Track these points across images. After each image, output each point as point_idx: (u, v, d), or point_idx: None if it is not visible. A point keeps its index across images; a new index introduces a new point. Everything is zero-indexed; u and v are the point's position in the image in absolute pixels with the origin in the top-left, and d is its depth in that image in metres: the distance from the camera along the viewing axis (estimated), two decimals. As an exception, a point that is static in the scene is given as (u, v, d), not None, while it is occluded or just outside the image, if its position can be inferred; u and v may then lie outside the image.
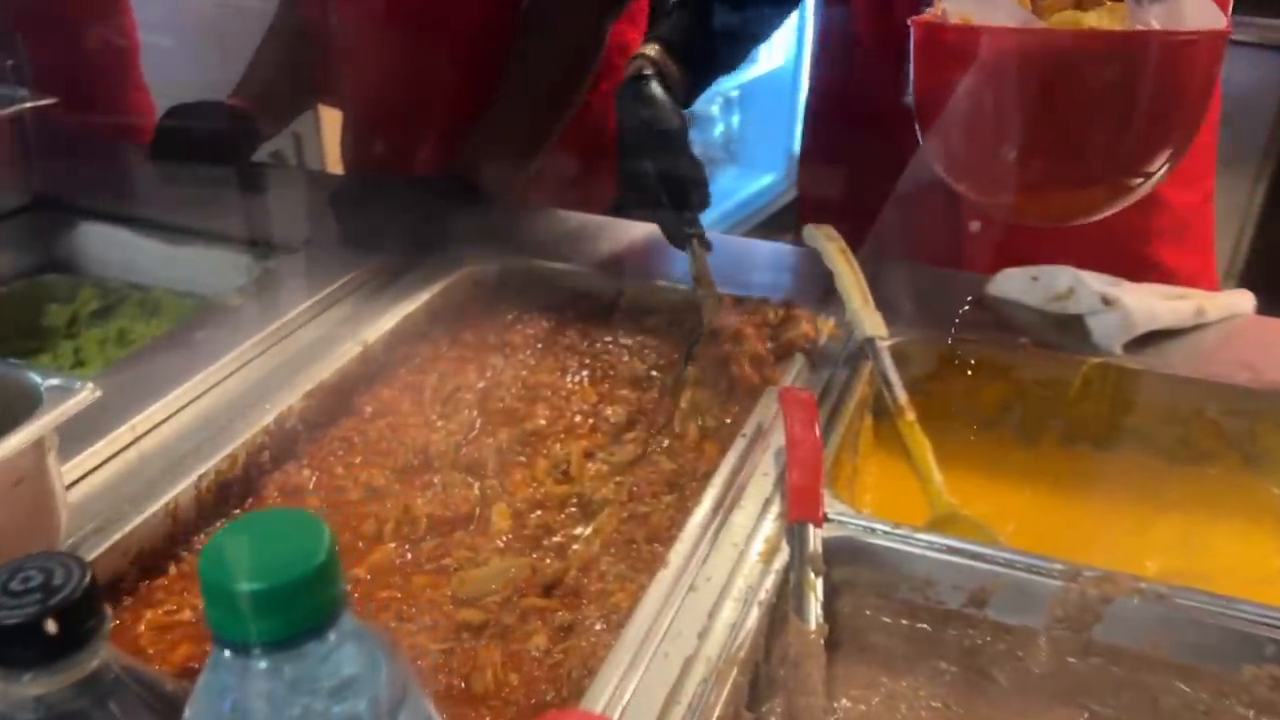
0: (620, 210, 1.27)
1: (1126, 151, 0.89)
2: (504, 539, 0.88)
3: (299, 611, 0.34)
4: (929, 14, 0.90)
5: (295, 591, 0.34)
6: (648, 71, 1.14)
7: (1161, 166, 0.90)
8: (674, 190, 1.09)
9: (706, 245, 1.10)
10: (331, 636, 0.36)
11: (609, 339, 1.14)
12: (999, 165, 0.91)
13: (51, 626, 0.36)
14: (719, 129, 3.59)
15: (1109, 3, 0.87)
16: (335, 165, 1.89)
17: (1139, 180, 0.91)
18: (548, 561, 0.85)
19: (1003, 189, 0.93)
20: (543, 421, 1.01)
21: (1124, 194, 0.93)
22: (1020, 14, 0.85)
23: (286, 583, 0.34)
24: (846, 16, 1.33)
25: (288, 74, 1.56)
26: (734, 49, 1.30)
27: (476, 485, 0.93)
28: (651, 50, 1.16)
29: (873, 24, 1.27)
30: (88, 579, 0.39)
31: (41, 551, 0.39)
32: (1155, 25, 0.83)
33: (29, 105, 1.25)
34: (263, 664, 0.35)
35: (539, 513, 0.91)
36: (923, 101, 0.92)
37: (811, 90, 1.47)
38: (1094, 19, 0.86)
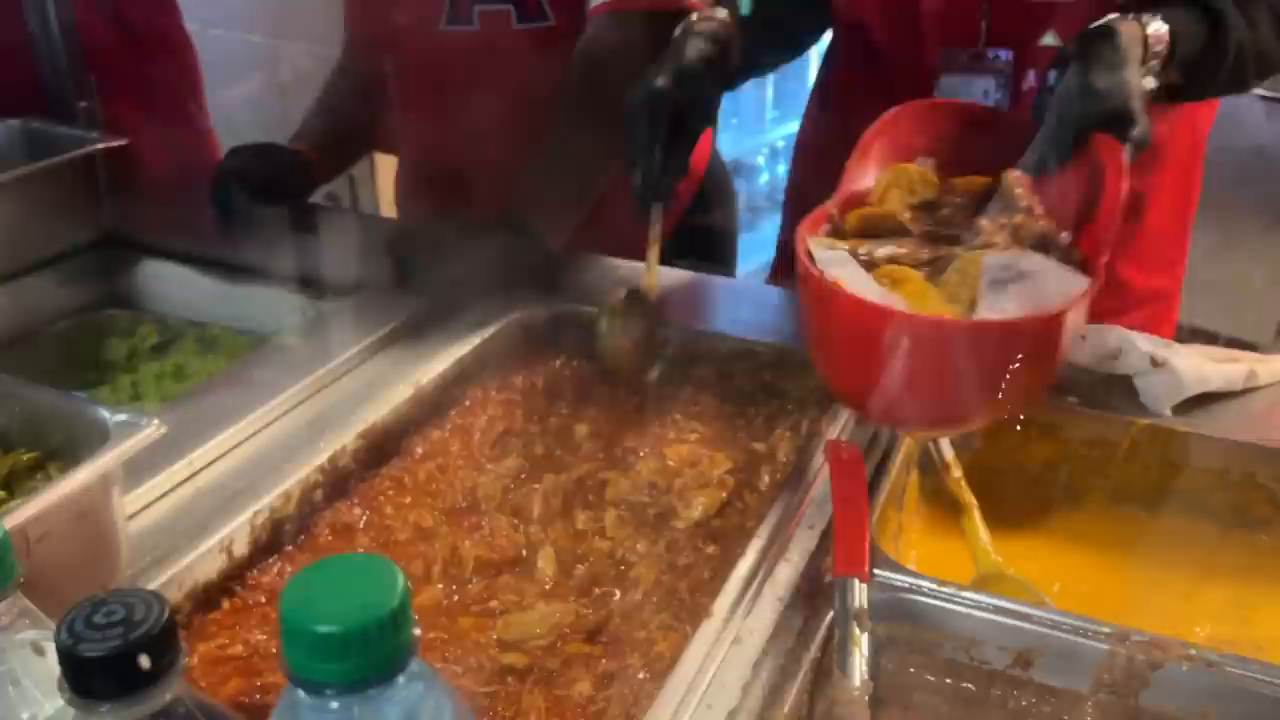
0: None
1: (974, 406, 0.90)
2: (549, 583, 0.89)
3: (373, 655, 0.36)
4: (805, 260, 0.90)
5: (371, 636, 0.35)
6: (710, 21, 1.13)
7: (1025, 398, 0.93)
8: (675, 132, 1.07)
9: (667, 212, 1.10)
10: (401, 680, 0.37)
11: (656, 387, 1.15)
12: (864, 403, 0.92)
13: (144, 661, 0.37)
14: (764, 178, 3.61)
15: (967, 254, 0.88)
16: (389, 208, 1.93)
17: (1005, 411, 0.96)
18: (592, 608, 0.86)
19: (877, 414, 0.95)
20: (588, 466, 1.02)
21: (992, 419, 0.97)
22: (877, 291, 0.85)
23: (363, 627, 0.35)
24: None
25: (346, 121, 1.60)
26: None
27: (523, 529, 0.94)
28: (721, 12, 1.17)
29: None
30: (166, 614, 0.40)
31: (122, 587, 0.41)
32: (1009, 308, 0.83)
33: (100, 146, 1.29)
34: (334, 704, 0.36)
35: (584, 558, 0.91)
36: (804, 318, 0.94)
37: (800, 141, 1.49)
38: (951, 283, 0.87)
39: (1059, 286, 0.84)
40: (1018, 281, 0.84)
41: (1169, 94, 1.01)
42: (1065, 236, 0.88)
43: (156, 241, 1.39)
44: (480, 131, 1.49)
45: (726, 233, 1.70)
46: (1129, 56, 0.92)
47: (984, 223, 0.90)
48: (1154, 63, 0.96)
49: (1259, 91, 2.54)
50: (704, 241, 1.60)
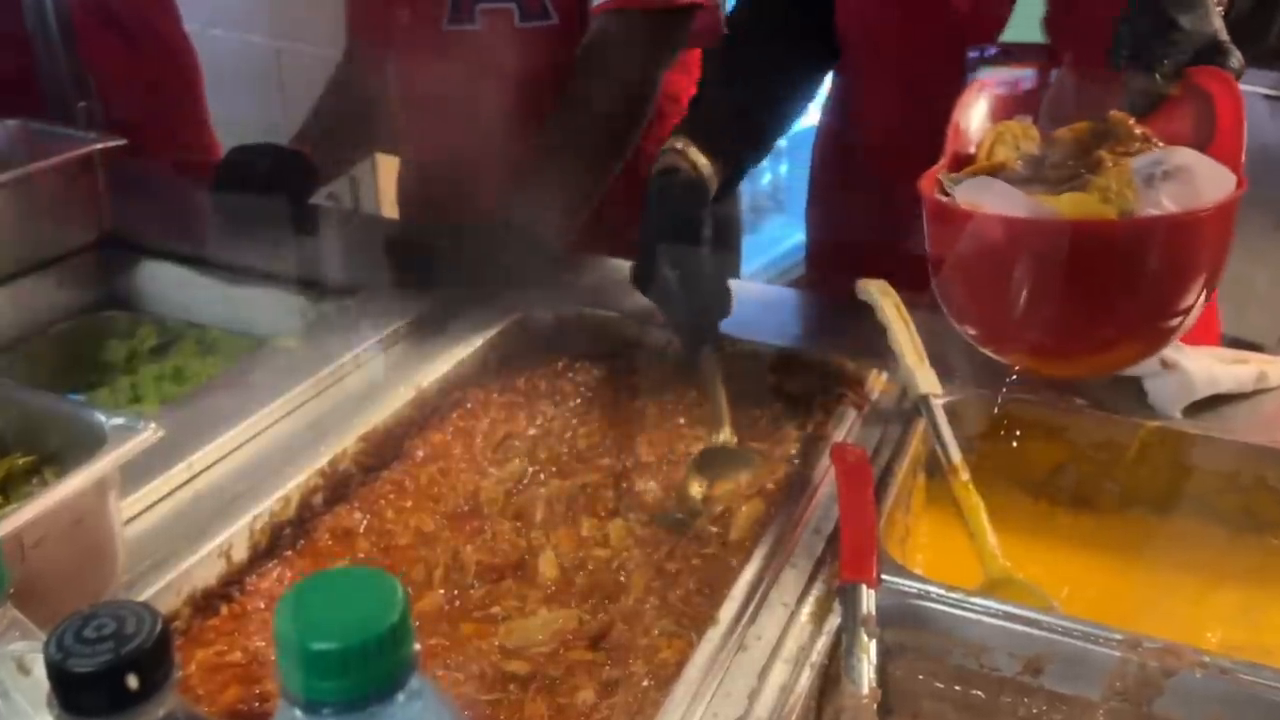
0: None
1: (1139, 320, 0.89)
2: (551, 588, 0.88)
3: (371, 672, 0.34)
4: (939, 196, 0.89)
5: (370, 652, 0.34)
6: (676, 164, 1.12)
7: (1183, 319, 0.90)
8: (694, 297, 1.08)
9: (720, 356, 1.08)
10: (400, 697, 0.36)
11: (661, 389, 1.14)
12: (1015, 335, 0.92)
13: (132, 681, 0.36)
14: (767, 178, 3.60)
15: (1110, 163, 0.86)
16: (390, 209, 1.92)
17: (1161, 338, 0.92)
18: (595, 615, 0.85)
19: (1020, 353, 0.95)
20: (592, 472, 1.01)
21: (1149, 349, 0.95)
22: (1027, 203, 0.84)
23: (362, 643, 0.34)
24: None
25: (348, 122, 1.59)
26: (760, 130, 1.28)
27: (525, 533, 0.93)
28: (679, 143, 1.15)
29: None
30: (159, 629, 0.39)
31: (115, 600, 0.40)
32: (1167, 205, 0.82)
33: (99, 146, 1.28)
34: (331, 722, 0.35)
35: (586, 564, 0.90)
36: (937, 263, 0.93)
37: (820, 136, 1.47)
38: (1100, 186, 0.85)
39: (1213, 181, 0.83)
40: (1170, 179, 0.83)
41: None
42: None
43: (156, 243, 1.38)
44: (482, 131, 1.48)
45: (730, 233, 1.69)
46: None
47: (1103, 154, 0.88)
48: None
49: (1264, 90, 2.52)
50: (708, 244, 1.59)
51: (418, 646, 0.36)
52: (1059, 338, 0.89)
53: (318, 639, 0.34)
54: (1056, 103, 1.00)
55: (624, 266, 1.30)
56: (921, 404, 0.99)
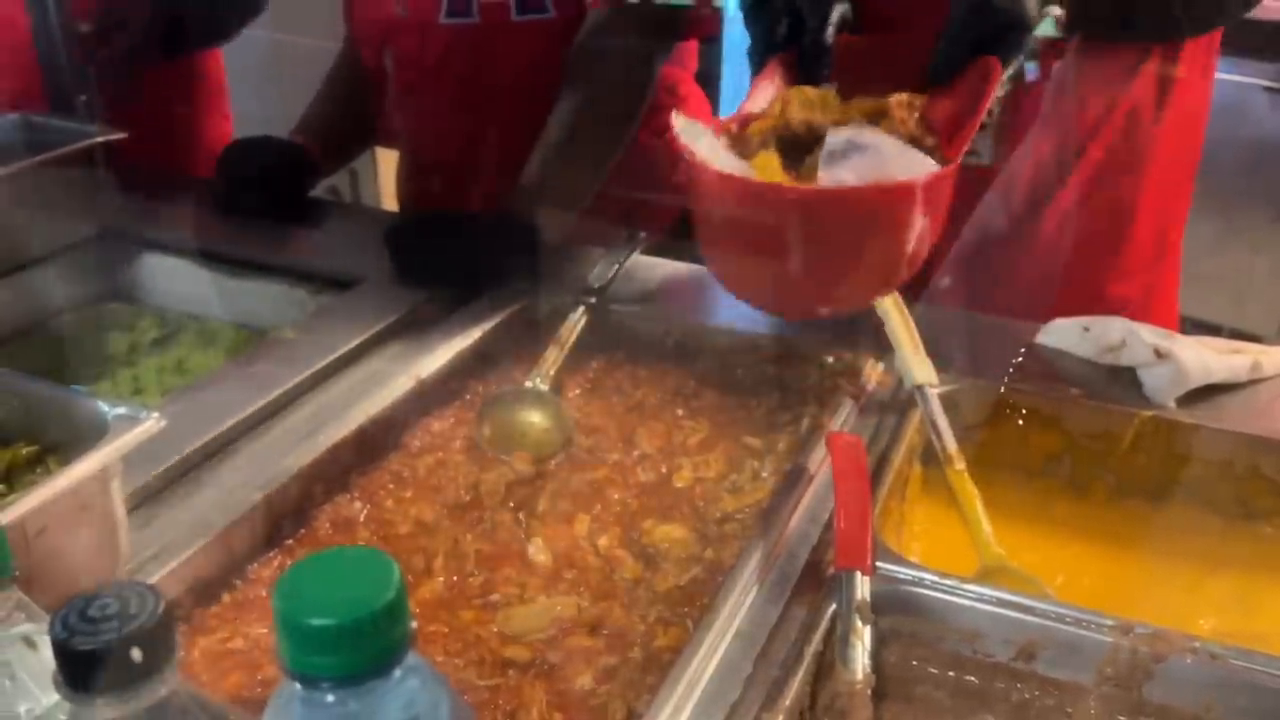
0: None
1: (820, 284, 0.95)
2: (549, 574, 0.89)
3: (368, 649, 0.35)
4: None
5: (365, 629, 0.35)
6: None
7: (873, 291, 0.98)
8: None
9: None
10: (397, 673, 0.37)
11: (657, 381, 1.14)
12: (719, 270, 1.01)
13: (135, 654, 0.37)
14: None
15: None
16: (390, 201, 1.93)
17: (852, 295, 1.00)
18: (594, 602, 0.86)
19: (729, 285, 1.02)
20: (591, 461, 1.02)
21: (842, 303, 1.03)
22: (724, 156, 0.91)
23: (357, 620, 0.35)
24: None
25: (347, 114, 1.59)
26: None
27: (525, 522, 0.94)
28: None
29: None
30: (161, 608, 0.40)
31: (118, 580, 0.41)
32: (844, 177, 0.87)
33: (100, 139, 1.29)
34: (330, 698, 0.36)
35: (585, 551, 0.91)
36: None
37: None
38: (806, 168, 0.91)
39: (902, 163, 0.87)
40: (856, 154, 0.87)
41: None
42: (932, 141, 0.92)
43: (157, 235, 1.39)
44: (480, 124, 1.49)
45: None
46: None
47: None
48: None
49: (1263, 82, 2.52)
50: None
51: (414, 624, 0.37)
52: (745, 278, 0.97)
53: (315, 615, 0.34)
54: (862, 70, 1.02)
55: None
56: (917, 394, 1.00)
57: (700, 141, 0.91)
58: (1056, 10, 0.99)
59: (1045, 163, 1.22)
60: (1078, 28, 1.06)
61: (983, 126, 0.95)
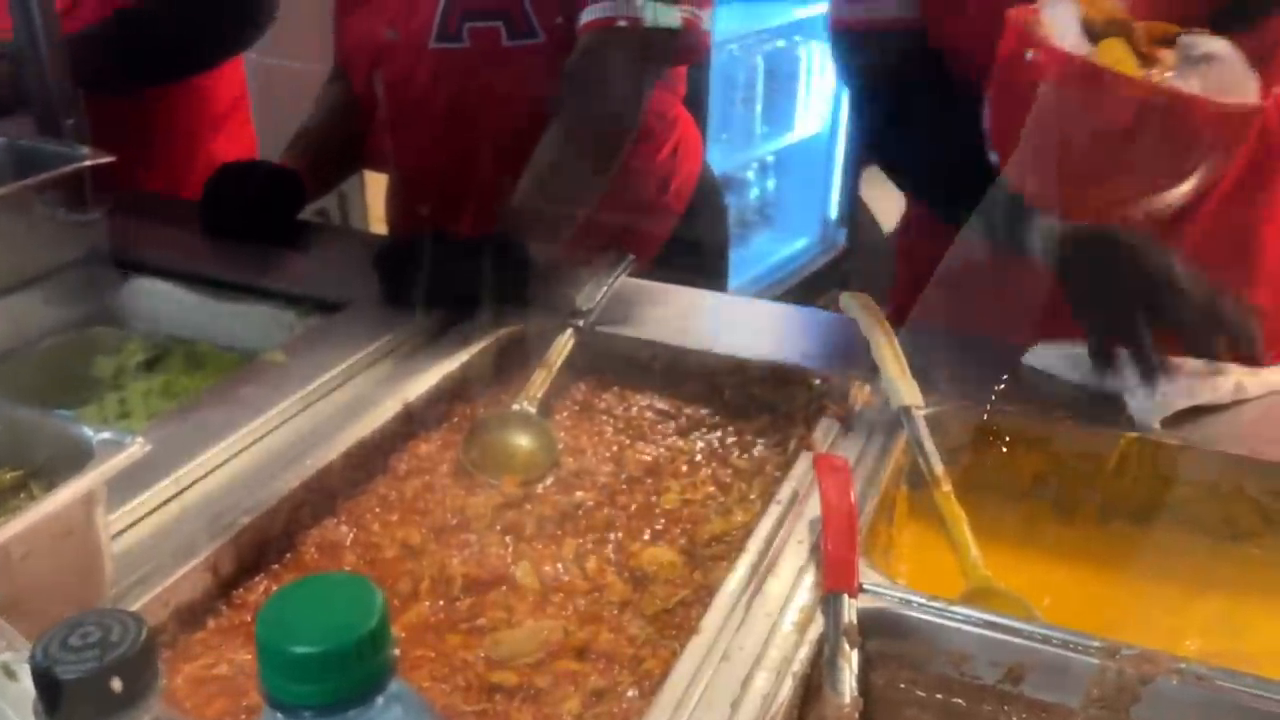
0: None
1: (1135, 184, 0.95)
2: (536, 598, 0.88)
3: (350, 677, 0.35)
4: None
5: (348, 657, 0.35)
6: None
7: (1181, 199, 0.96)
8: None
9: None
10: (379, 701, 0.36)
11: (645, 403, 1.15)
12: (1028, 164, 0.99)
13: (116, 684, 0.37)
14: (754, 193, 3.62)
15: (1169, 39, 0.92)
16: (379, 224, 1.93)
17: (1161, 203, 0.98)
18: (581, 625, 0.85)
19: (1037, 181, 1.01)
20: (578, 483, 1.02)
21: (1128, 208, 1.00)
22: (1072, 37, 0.91)
23: (339, 648, 0.34)
24: None
25: (336, 138, 1.60)
26: None
27: (512, 546, 0.94)
28: None
29: None
30: (144, 636, 0.40)
31: (99, 608, 0.40)
32: (1195, 86, 0.87)
33: (88, 163, 1.29)
34: (312, 726, 0.36)
35: (573, 574, 0.91)
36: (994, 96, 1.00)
37: None
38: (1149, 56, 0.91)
39: (1248, 85, 0.88)
40: (1206, 64, 0.88)
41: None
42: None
43: (142, 258, 1.38)
44: (470, 148, 1.49)
45: (718, 247, 1.70)
46: None
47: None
48: None
49: None
50: (695, 256, 1.60)
51: (397, 651, 0.37)
52: (1062, 167, 0.96)
53: (296, 643, 0.34)
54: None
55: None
56: (904, 415, 1.00)
57: (1059, 12, 0.92)
58: None
59: None
60: None
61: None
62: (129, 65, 1.59)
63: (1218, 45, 0.89)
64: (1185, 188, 0.96)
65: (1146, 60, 0.92)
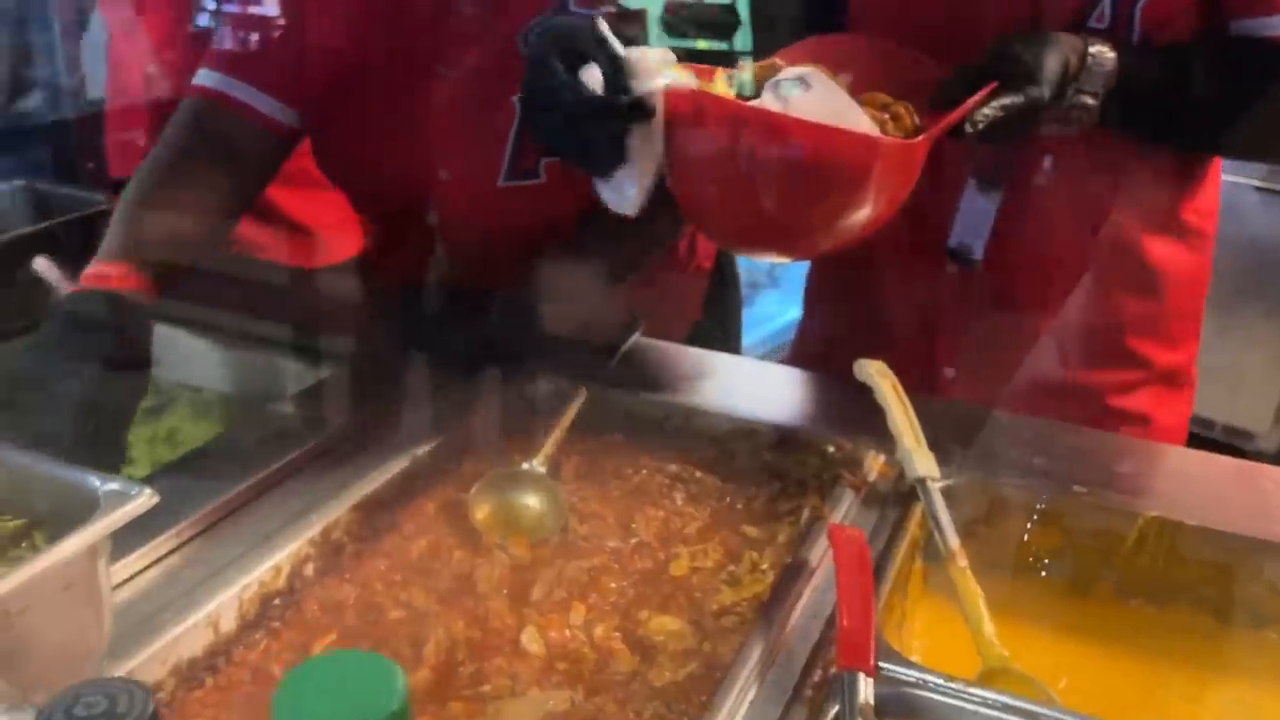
0: None
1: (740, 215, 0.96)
2: (542, 665, 0.86)
3: (370, 763, 0.34)
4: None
5: (369, 744, 0.33)
6: None
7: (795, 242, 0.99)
8: None
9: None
10: (396, 787, 0.35)
11: (655, 466, 1.13)
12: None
13: (124, 765, 0.35)
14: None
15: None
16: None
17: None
18: (588, 696, 0.83)
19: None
20: (587, 547, 1.00)
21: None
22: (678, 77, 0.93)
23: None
24: None
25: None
26: None
27: (519, 610, 0.92)
28: None
29: None
30: (150, 709, 0.38)
31: (104, 677, 0.39)
32: (777, 108, 0.89)
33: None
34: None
35: (580, 641, 0.89)
36: None
37: None
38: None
39: (846, 117, 0.88)
40: (802, 89, 0.88)
41: (1123, 121, 1.07)
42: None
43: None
44: (528, 251, 1.40)
45: (731, 312, 1.69)
46: (1060, 45, 0.99)
47: None
48: (1093, 81, 1.02)
49: (1255, 182, 2.57)
50: (711, 321, 1.59)
51: (417, 736, 0.36)
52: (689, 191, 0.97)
53: (317, 729, 0.33)
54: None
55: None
56: (919, 487, 0.99)
57: (669, 74, 0.93)
58: (1089, 100, 1.01)
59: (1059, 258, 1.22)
60: (1111, 124, 1.07)
61: (957, 133, 0.95)
62: None
63: (817, 78, 0.90)
64: (856, 216, 0.93)
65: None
